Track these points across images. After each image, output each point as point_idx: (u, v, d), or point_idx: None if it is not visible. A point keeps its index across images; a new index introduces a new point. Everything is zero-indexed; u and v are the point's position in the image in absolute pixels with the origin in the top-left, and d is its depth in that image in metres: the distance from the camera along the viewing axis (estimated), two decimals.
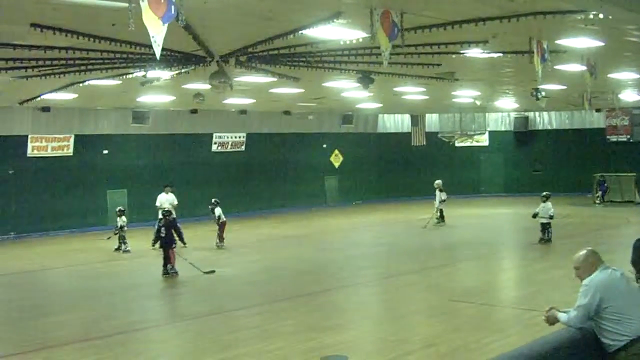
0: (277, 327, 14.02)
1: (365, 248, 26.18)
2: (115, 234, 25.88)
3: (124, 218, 25.77)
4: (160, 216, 22.47)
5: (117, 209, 26.43)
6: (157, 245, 21.08)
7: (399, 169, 44.91)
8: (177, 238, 21.02)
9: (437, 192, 30.61)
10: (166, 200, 25.58)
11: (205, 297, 18.01)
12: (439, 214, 30.91)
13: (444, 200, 30.67)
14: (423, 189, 42.22)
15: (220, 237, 26.02)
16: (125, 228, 25.83)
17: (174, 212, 22.96)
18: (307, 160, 41.89)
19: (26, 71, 17.92)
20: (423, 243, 26.28)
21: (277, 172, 40.15)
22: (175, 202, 25.70)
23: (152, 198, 26.55)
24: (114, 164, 34.10)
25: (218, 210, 25.87)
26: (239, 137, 38.78)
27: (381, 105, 36.04)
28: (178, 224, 22.09)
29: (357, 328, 14.32)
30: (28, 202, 31.50)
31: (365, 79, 21.22)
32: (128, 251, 25.43)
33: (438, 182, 30.97)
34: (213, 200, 26.33)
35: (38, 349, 13.10)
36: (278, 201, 40.12)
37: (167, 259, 20.55)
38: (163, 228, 20.72)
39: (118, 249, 25.63)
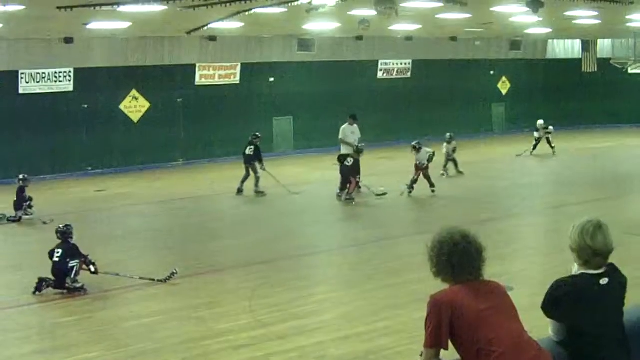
0: None
1: (533, 177, 25.59)
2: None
3: None
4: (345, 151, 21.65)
5: None
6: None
7: (568, 96, 43.15)
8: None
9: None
10: (352, 133, 22.41)
11: (371, 223, 18.11)
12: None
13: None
14: (595, 117, 40.80)
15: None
16: None
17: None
18: (474, 87, 40.85)
19: (193, 1, 18.19)
20: (591, 174, 25.37)
21: (443, 99, 39.40)
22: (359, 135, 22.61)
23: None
24: (280, 92, 34.37)
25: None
26: (405, 63, 38.37)
27: (551, 30, 34.72)
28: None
29: (522, 258, 14.08)
30: (196, 129, 32.27)
31: (536, 2, 20.42)
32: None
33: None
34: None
35: (207, 272, 13.61)
36: (444, 128, 39.54)
37: (345, 185, 20.61)
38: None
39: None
